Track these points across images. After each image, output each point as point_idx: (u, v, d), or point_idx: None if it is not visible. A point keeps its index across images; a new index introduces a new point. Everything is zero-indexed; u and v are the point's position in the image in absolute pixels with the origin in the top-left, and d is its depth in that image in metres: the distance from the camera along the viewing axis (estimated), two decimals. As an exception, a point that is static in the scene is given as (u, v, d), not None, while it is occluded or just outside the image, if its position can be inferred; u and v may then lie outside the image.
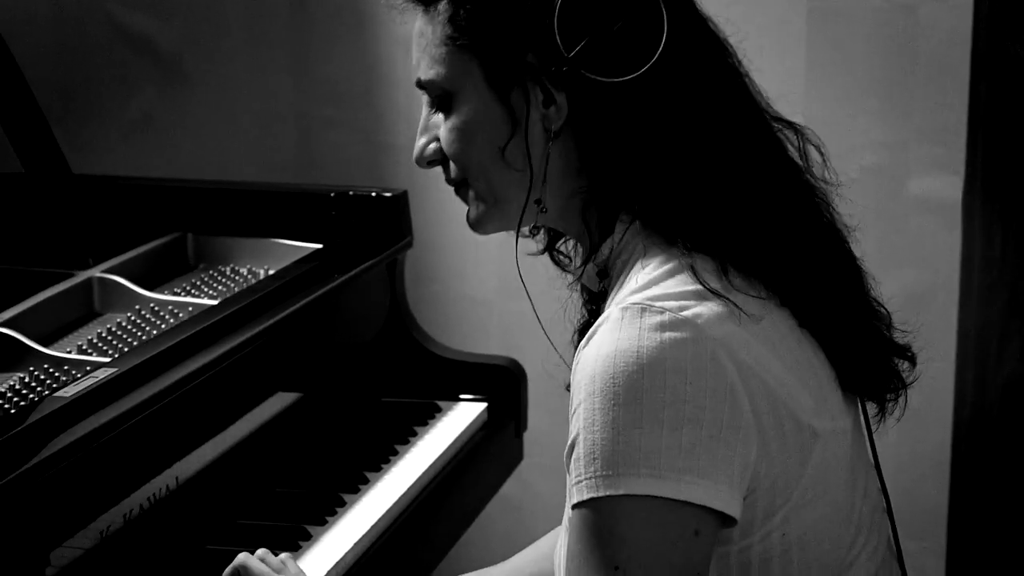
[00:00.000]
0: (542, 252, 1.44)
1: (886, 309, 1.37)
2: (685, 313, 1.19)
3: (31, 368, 1.68)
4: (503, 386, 2.17)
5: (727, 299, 1.21)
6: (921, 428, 2.36)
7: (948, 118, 2.35)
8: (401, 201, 2.16)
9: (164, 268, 2.09)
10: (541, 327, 1.41)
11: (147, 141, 2.74)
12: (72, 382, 1.55)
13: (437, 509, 1.92)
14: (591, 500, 1.18)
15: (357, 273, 2.04)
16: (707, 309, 1.20)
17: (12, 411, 1.55)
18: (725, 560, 1.24)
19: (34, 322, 1.77)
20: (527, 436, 2.26)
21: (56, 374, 1.67)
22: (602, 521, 1.18)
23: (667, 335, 1.18)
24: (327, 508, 1.80)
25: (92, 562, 1.56)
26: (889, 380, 1.37)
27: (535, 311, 1.41)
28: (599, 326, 1.22)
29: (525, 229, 1.34)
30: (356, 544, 1.74)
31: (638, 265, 1.25)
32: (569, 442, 1.21)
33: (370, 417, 2.07)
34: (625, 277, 1.26)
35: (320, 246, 2.09)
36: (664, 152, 1.25)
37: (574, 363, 1.24)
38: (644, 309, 1.19)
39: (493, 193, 1.32)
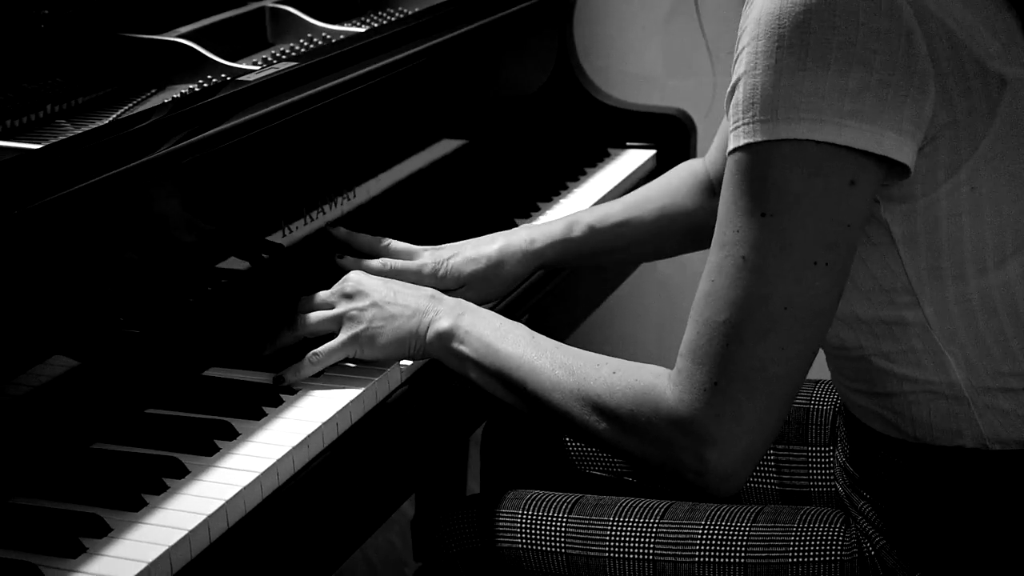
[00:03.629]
0: None
1: None
2: None
3: (209, 76, 1.69)
4: (673, 135, 2.14)
5: None
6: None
7: None
8: (571, -58, 2.12)
9: (333, 10, 2.08)
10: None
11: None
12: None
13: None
14: (747, 146, 1.14)
15: (525, 7, 2.01)
16: None
17: (196, 91, 1.56)
18: (911, 217, 1.19)
19: (210, 41, 1.78)
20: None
21: (233, 82, 1.68)
22: (756, 167, 1.14)
23: None
24: (500, 230, 1.79)
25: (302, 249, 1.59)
26: None
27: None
28: None
29: None
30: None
31: None
32: (730, 87, 1.17)
33: (540, 157, 2.05)
34: None
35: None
36: None
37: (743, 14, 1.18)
38: None
39: None
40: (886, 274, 1.22)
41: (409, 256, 1.60)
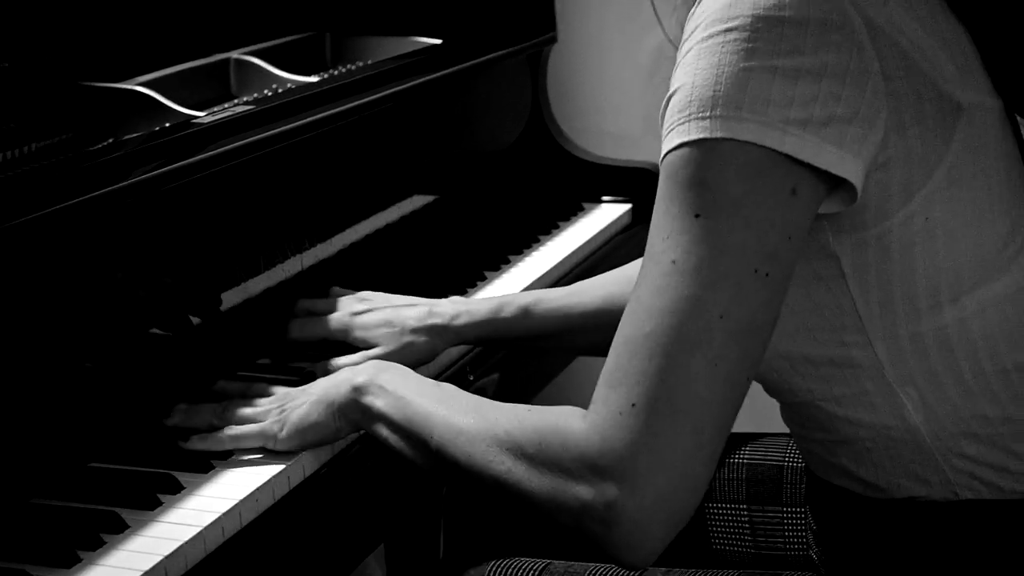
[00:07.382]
0: None
1: None
2: None
3: (168, 125, 1.64)
4: (649, 189, 2.08)
5: None
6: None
7: None
8: (544, -7, 2.09)
9: (302, 63, 2.04)
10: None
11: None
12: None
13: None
14: (680, 146, 1.04)
15: (493, 59, 1.97)
16: None
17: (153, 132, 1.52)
18: (863, 249, 1.12)
19: (171, 91, 1.73)
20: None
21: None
22: (691, 166, 1.03)
23: None
24: (468, 281, 1.75)
25: (257, 306, 1.54)
26: None
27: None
28: None
29: None
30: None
31: None
32: (666, 97, 1.08)
33: (511, 212, 2.00)
34: None
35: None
36: None
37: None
38: None
39: None
40: (835, 312, 1.14)
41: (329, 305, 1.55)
